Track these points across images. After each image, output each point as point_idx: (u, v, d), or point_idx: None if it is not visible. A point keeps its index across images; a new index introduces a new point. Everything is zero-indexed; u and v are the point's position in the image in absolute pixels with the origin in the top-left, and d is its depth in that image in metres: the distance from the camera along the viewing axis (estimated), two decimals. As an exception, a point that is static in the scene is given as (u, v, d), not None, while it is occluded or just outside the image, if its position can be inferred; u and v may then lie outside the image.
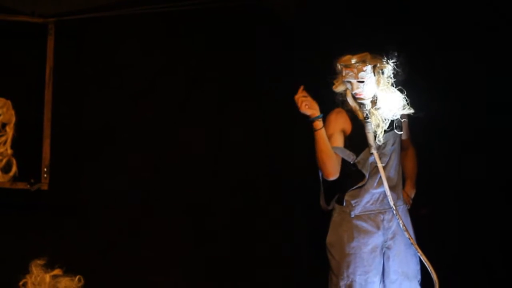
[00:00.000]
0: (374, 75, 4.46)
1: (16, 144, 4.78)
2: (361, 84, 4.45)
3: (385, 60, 4.46)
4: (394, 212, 4.53)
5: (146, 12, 5.05)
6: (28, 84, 4.97)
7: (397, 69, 4.47)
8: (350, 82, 4.48)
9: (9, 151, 4.76)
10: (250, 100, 5.28)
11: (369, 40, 4.69)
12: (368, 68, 4.44)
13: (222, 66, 5.25)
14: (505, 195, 5.19)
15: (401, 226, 4.54)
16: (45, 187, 4.86)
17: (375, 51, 4.48)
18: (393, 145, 4.58)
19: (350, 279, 4.50)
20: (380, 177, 4.52)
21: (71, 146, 5.02)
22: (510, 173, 5.17)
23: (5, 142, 4.75)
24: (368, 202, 4.55)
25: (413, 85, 4.55)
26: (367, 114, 4.51)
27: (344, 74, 4.46)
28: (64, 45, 4.96)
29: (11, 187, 4.78)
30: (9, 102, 4.79)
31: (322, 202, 4.68)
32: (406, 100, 4.49)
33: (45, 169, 4.86)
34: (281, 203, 5.28)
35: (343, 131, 4.55)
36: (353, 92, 4.50)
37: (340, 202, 4.60)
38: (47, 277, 3.94)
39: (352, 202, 4.54)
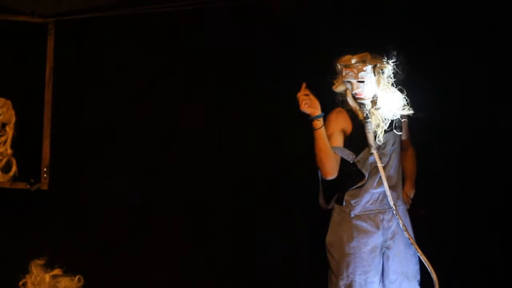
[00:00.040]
0: (374, 75, 4.46)
1: (16, 144, 4.78)
2: (361, 84, 4.45)
3: (385, 60, 4.46)
4: (394, 212, 4.53)
5: (146, 12, 5.04)
6: (28, 84, 4.97)
7: (397, 69, 4.47)
8: (350, 82, 4.48)
9: (9, 151, 4.77)
10: (250, 100, 5.28)
11: (369, 40, 4.69)
12: (368, 68, 4.44)
13: (222, 66, 5.24)
14: (505, 195, 5.19)
15: (400, 226, 4.54)
16: (45, 187, 4.86)
17: (375, 51, 4.48)
18: (393, 145, 4.58)
19: (350, 279, 4.50)
20: (380, 177, 4.52)
21: (71, 146, 5.03)
22: (510, 173, 5.17)
23: (5, 142, 4.75)
24: (367, 202, 4.55)
25: (413, 85, 4.54)
26: (367, 114, 4.51)
27: (344, 74, 4.46)
28: (64, 45, 4.96)
29: (11, 187, 4.79)
30: (9, 102, 4.80)
31: (321, 201, 4.68)
32: (406, 100, 4.49)
33: (45, 169, 4.86)
34: (281, 203, 5.28)
35: (343, 131, 4.55)
36: (353, 92, 4.50)
37: (339, 202, 4.60)
38: (47, 277, 3.94)
39: (352, 202, 4.54)
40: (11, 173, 4.77)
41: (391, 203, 4.51)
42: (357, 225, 4.53)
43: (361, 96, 4.48)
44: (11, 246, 4.87)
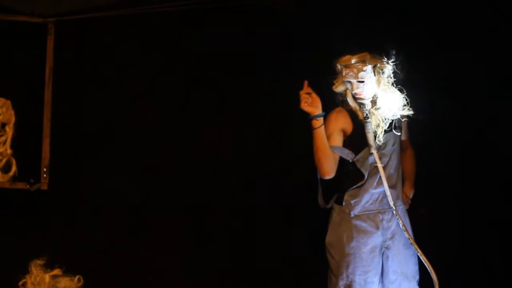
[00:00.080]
0: (374, 75, 4.46)
1: (15, 144, 4.78)
2: (361, 84, 4.45)
3: (385, 60, 4.46)
4: (394, 212, 4.53)
5: (146, 12, 5.04)
6: (27, 84, 4.97)
7: (396, 69, 4.47)
8: (350, 82, 4.48)
9: (9, 151, 4.76)
10: (250, 100, 5.28)
11: (369, 40, 4.70)
12: (368, 68, 4.44)
13: (222, 66, 5.24)
14: (505, 195, 5.19)
15: (400, 226, 4.54)
16: (44, 187, 4.86)
17: (375, 51, 4.48)
18: (393, 145, 4.58)
19: (350, 279, 4.50)
20: (380, 177, 4.52)
21: (71, 146, 5.02)
22: (510, 173, 5.17)
23: (4, 142, 4.74)
24: (367, 202, 4.55)
25: (413, 85, 4.55)
26: (367, 114, 4.50)
27: (344, 74, 4.46)
28: (64, 45, 4.96)
29: (11, 187, 4.78)
30: (8, 102, 4.79)
31: (320, 200, 4.69)
32: (406, 100, 4.49)
33: (45, 169, 4.86)
34: (281, 203, 5.28)
35: (343, 131, 4.55)
36: (353, 92, 4.49)
37: (339, 202, 4.60)
38: (47, 277, 3.93)
39: (352, 202, 4.54)
40: (11, 173, 4.77)
41: (391, 203, 4.51)
42: (357, 225, 4.53)
43: (361, 96, 4.48)
44: (11, 246, 4.87)
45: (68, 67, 5.00)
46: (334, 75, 4.52)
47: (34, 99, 4.92)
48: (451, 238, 5.22)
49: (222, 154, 5.25)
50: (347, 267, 4.50)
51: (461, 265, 5.17)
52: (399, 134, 4.59)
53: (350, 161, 4.54)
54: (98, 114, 5.07)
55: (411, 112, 4.49)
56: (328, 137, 4.46)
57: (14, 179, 4.78)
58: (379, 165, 4.51)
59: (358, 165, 4.53)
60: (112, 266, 5.06)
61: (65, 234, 4.99)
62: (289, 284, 5.29)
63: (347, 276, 4.50)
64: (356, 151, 4.53)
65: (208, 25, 5.22)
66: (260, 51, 5.26)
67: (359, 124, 4.54)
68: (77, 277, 4.00)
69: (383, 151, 4.54)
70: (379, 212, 4.56)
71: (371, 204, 4.55)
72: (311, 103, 4.38)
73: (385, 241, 4.57)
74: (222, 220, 5.24)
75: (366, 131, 4.50)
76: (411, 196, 4.83)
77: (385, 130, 4.51)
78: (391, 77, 4.47)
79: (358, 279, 4.49)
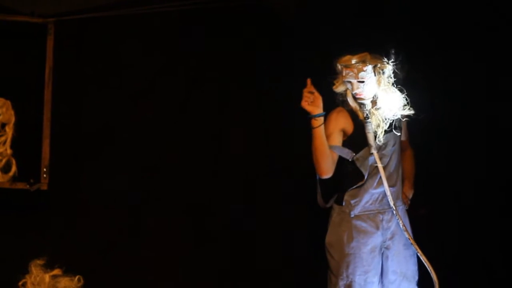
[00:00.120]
0: (375, 75, 4.45)
1: (15, 144, 4.76)
2: (362, 84, 4.45)
3: (385, 60, 4.46)
4: (394, 212, 4.53)
5: (146, 12, 5.04)
6: (27, 84, 4.97)
7: (396, 69, 4.47)
8: (350, 82, 4.47)
9: (9, 151, 4.75)
10: (250, 100, 5.28)
11: (369, 40, 4.69)
12: (369, 68, 4.43)
13: (222, 66, 5.24)
14: (505, 195, 5.19)
15: (400, 226, 4.53)
16: (44, 187, 4.87)
17: (375, 51, 4.48)
18: (393, 145, 4.58)
19: (350, 279, 4.50)
20: (380, 177, 4.52)
21: (71, 146, 5.02)
22: (510, 173, 5.17)
23: (4, 142, 4.74)
24: (367, 202, 4.55)
25: (412, 85, 4.54)
26: (367, 114, 4.50)
27: (344, 74, 4.46)
28: (63, 45, 4.96)
29: (11, 187, 4.78)
30: (8, 102, 4.78)
31: (319, 199, 4.69)
32: (407, 100, 4.49)
33: (45, 169, 4.86)
34: (281, 203, 5.28)
35: (343, 131, 4.55)
36: (354, 92, 4.49)
37: (339, 202, 4.60)
38: (47, 277, 3.93)
39: (352, 202, 4.54)
40: (11, 173, 4.76)
41: (391, 203, 4.51)
42: (357, 225, 4.53)
43: (362, 96, 4.48)
44: (11, 246, 4.87)
45: (68, 67, 5.00)
46: (334, 75, 4.52)
47: (34, 99, 4.92)
48: (451, 238, 5.22)
49: (222, 154, 5.25)
50: (347, 267, 4.50)
51: (461, 265, 5.17)
52: (399, 134, 4.59)
53: (350, 160, 4.54)
54: (98, 114, 5.07)
55: (412, 112, 4.48)
56: (328, 137, 4.46)
57: (14, 179, 4.77)
58: (380, 166, 4.51)
59: (358, 164, 4.53)
60: (112, 266, 5.06)
61: (65, 234, 4.99)
62: (289, 284, 5.29)
63: (347, 276, 4.50)
64: (356, 151, 4.53)
65: (208, 25, 5.22)
66: (260, 51, 5.25)
67: (359, 124, 4.54)
68: (77, 277, 4.00)
69: (383, 152, 4.54)
70: (379, 212, 4.56)
71: (371, 204, 4.55)
72: (312, 102, 4.38)
73: (384, 241, 4.57)
74: (222, 220, 5.24)
75: (367, 131, 4.50)
76: (410, 196, 4.83)
77: (385, 130, 4.50)
78: (391, 77, 4.47)
79: (358, 279, 4.49)
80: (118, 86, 5.12)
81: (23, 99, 4.89)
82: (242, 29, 5.26)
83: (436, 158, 5.23)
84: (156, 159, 5.17)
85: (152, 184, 5.16)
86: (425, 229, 4.84)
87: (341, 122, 4.54)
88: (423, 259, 4.50)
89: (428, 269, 4.48)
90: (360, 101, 4.51)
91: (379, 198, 4.55)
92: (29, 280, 3.92)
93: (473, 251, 5.23)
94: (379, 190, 4.54)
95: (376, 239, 4.53)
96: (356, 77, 4.43)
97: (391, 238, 4.56)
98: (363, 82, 4.44)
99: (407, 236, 4.54)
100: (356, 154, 4.53)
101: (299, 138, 4.89)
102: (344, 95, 4.57)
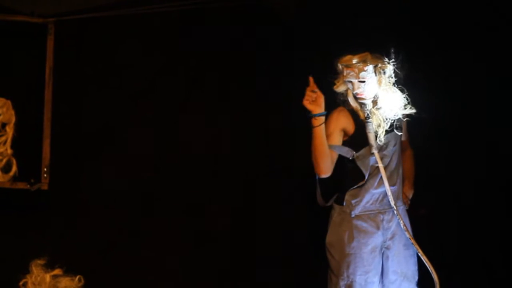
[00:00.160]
0: (376, 75, 4.45)
1: (16, 144, 4.75)
2: (362, 84, 4.45)
3: (386, 60, 4.46)
4: (395, 212, 4.53)
5: (146, 12, 5.04)
6: (28, 84, 4.97)
7: (397, 70, 4.47)
8: (351, 82, 4.47)
9: (9, 151, 4.75)
10: (250, 100, 5.28)
11: (369, 40, 4.69)
12: (370, 68, 4.43)
13: (222, 66, 5.24)
14: (505, 195, 5.20)
15: (401, 226, 4.54)
16: (45, 187, 4.86)
17: (376, 51, 4.48)
18: (394, 146, 4.58)
19: (350, 279, 4.50)
20: (381, 177, 4.52)
21: (71, 146, 5.02)
22: (510, 173, 5.17)
23: (5, 142, 4.73)
24: (368, 202, 4.55)
25: (412, 85, 4.55)
26: (368, 114, 4.50)
27: (345, 74, 4.46)
28: (64, 45, 4.96)
29: (11, 187, 4.77)
30: (9, 102, 4.78)
31: (319, 198, 4.69)
32: (407, 100, 4.49)
33: (45, 169, 4.86)
34: (281, 203, 5.27)
35: (344, 131, 4.55)
36: (354, 92, 4.49)
37: (340, 202, 4.60)
38: (47, 277, 3.92)
39: (353, 201, 4.54)
40: (11, 173, 4.75)
41: (392, 203, 4.51)
42: (358, 225, 4.53)
43: (362, 96, 4.48)
44: (11, 246, 4.87)
45: (68, 67, 4.99)
46: (335, 75, 4.52)
47: (34, 99, 4.92)
48: (451, 238, 5.22)
49: (222, 154, 5.25)
50: (348, 267, 4.50)
51: (461, 265, 5.17)
52: (400, 134, 4.59)
53: (350, 158, 4.54)
54: (98, 114, 5.07)
55: (413, 111, 4.48)
56: (328, 136, 4.46)
57: (15, 179, 4.76)
58: (381, 166, 4.51)
59: (358, 162, 4.52)
60: (112, 266, 5.06)
61: (65, 234, 4.99)
62: (289, 284, 5.29)
63: (348, 276, 4.50)
64: (357, 151, 4.53)
65: (208, 25, 5.22)
66: (260, 51, 5.26)
67: (360, 124, 4.54)
68: (77, 277, 3.99)
69: (384, 152, 4.54)
70: (380, 212, 4.56)
71: (371, 204, 4.55)
72: (313, 101, 4.38)
73: (385, 241, 4.57)
74: (222, 220, 5.23)
75: (367, 131, 4.49)
76: (410, 196, 4.83)
77: (386, 131, 4.50)
78: (392, 77, 4.47)
79: (358, 279, 4.49)
80: (118, 86, 5.12)
81: (24, 99, 4.89)
82: (242, 29, 5.26)
83: (436, 158, 5.23)
84: (156, 159, 5.17)
85: (152, 184, 5.15)
86: (425, 229, 4.84)
87: (342, 122, 4.54)
88: (424, 259, 4.50)
89: (429, 269, 4.49)
90: (361, 101, 4.51)
91: (380, 198, 4.55)
92: (30, 280, 3.92)
93: (473, 251, 5.23)
94: (379, 190, 4.54)
95: (376, 239, 4.53)
96: (357, 77, 4.43)
97: (392, 238, 4.57)
98: (364, 82, 4.44)
99: (407, 236, 4.54)
100: (356, 152, 4.53)
101: (299, 138, 4.89)
102: (345, 95, 4.57)
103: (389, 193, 4.51)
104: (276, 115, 5.25)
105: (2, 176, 4.74)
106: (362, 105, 4.51)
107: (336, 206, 4.62)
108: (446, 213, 5.23)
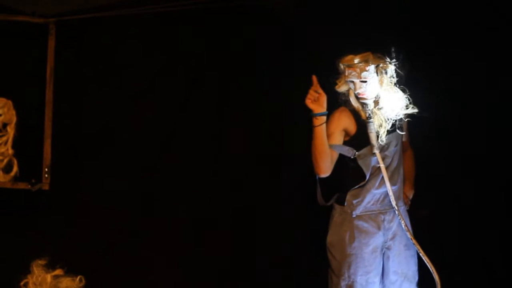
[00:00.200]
0: (377, 75, 4.46)
1: (17, 144, 4.78)
2: (364, 84, 4.45)
3: (387, 60, 4.46)
4: (396, 212, 4.53)
5: (146, 12, 5.04)
6: (29, 84, 4.96)
7: (398, 70, 4.47)
8: (353, 82, 4.48)
9: (10, 151, 4.76)
10: (250, 100, 5.28)
11: (370, 40, 4.70)
12: (371, 67, 4.44)
13: (222, 66, 5.24)
14: (505, 195, 5.20)
15: (402, 226, 4.54)
16: (46, 187, 4.86)
17: (376, 50, 4.48)
18: (396, 146, 4.58)
19: (351, 280, 4.50)
20: (382, 177, 4.52)
21: (72, 146, 5.02)
22: (510, 173, 5.18)
23: (6, 142, 4.74)
24: (369, 202, 4.55)
25: (413, 85, 4.55)
26: (369, 114, 4.50)
27: (347, 74, 4.46)
28: (64, 45, 4.95)
29: (12, 187, 4.78)
30: (10, 102, 4.79)
31: (319, 197, 4.69)
32: (409, 100, 4.49)
33: (46, 169, 4.85)
34: (281, 203, 5.28)
35: (346, 131, 4.55)
36: (356, 92, 4.49)
37: (341, 202, 4.60)
38: (48, 277, 3.93)
39: (354, 202, 4.55)
40: (12, 173, 4.77)
41: (394, 203, 4.51)
42: (359, 225, 4.53)
43: (364, 96, 4.48)
44: (12, 246, 4.87)
45: (69, 67, 4.99)
46: (336, 75, 4.52)
47: (35, 99, 4.91)
48: (451, 238, 5.22)
49: (222, 154, 5.25)
50: (349, 267, 4.50)
51: (461, 265, 5.18)
52: (402, 134, 4.59)
53: (352, 157, 4.54)
54: (99, 114, 5.07)
55: (415, 110, 4.49)
56: (329, 136, 4.46)
57: (16, 179, 4.78)
58: (382, 166, 4.51)
59: (360, 161, 4.52)
60: (112, 266, 5.06)
61: (66, 234, 4.99)
62: (289, 284, 5.29)
63: (349, 277, 4.50)
64: (358, 151, 4.53)
65: (208, 25, 5.22)
66: (260, 51, 5.25)
67: (362, 124, 4.54)
68: (78, 277, 4.00)
69: (386, 152, 4.54)
70: (381, 213, 4.56)
71: (372, 204, 4.56)
72: (315, 101, 4.38)
73: (386, 242, 4.57)
74: (222, 220, 5.23)
75: (369, 131, 4.49)
76: (411, 196, 4.84)
77: (388, 131, 4.51)
78: (393, 77, 4.48)
79: (359, 280, 4.49)
80: (118, 86, 5.12)
81: (25, 99, 4.89)
82: (242, 29, 5.26)
83: (436, 158, 5.22)
84: (156, 159, 5.17)
85: (152, 184, 5.15)
86: (425, 229, 4.84)
87: (343, 122, 4.55)
88: (425, 259, 4.51)
89: (430, 270, 4.49)
90: (362, 101, 4.52)
91: (381, 198, 4.56)
92: (31, 280, 3.92)
93: (473, 251, 5.23)
94: (381, 190, 4.54)
95: (377, 239, 4.54)
96: (359, 76, 4.43)
97: (392, 238, 4.57)
98: (365, 81, 4.44)
99: (409, 236, 4.54)
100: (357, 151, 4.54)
101: (299, 138, 4.89)
102: (346, 94, 4.57)
103: (390, 193, 4.51)
104: (276, 115, 5.24)
105: (3, 176, 4.75)
106: (364, 105, 4.51)
107: (337, 206, 4.62)
108: (447, 213, 5.23)
